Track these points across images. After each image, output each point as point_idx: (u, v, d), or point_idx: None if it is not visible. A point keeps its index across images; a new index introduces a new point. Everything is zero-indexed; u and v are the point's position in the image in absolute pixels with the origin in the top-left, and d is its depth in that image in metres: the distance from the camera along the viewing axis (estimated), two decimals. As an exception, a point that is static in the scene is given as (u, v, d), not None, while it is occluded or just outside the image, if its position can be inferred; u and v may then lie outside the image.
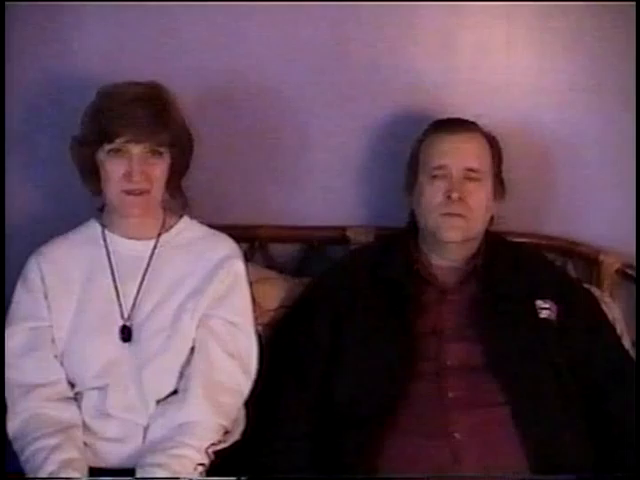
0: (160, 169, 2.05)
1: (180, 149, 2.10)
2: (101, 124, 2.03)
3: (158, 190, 2.07)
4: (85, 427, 2.04)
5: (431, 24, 2.42)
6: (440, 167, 2.15)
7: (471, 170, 2.14)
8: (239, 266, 2.12)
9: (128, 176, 2.02)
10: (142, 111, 2.01)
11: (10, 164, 2.40)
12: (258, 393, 2.09)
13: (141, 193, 2.04)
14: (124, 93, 2.04)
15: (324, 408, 2.09)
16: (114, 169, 2.03)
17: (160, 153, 2.05)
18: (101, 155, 2.04)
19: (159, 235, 2.12)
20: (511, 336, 2.07)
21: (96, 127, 2.04)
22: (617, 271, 2.43)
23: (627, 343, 2.27)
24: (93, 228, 2.14)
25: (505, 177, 2.25)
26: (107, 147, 2.03)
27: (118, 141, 2.01)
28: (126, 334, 2.05)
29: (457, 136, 2.17)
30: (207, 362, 2.03)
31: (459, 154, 2.15)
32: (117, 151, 2.02)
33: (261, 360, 2.09)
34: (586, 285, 2.32)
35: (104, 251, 2.11)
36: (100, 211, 2.15)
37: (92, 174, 2.08)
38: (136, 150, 2.02)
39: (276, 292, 2.32)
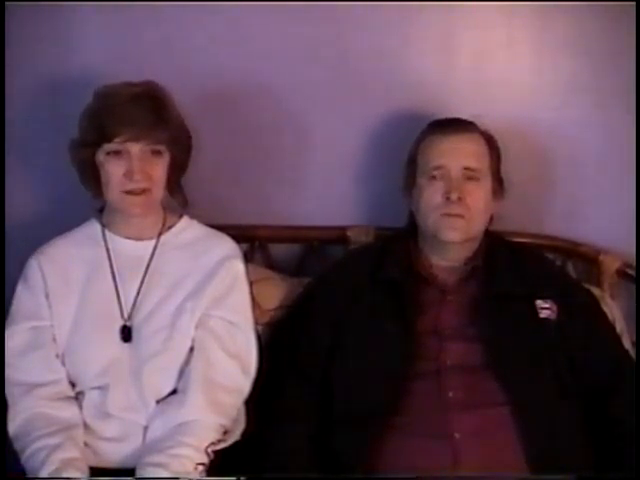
0: (160, 168, 2.06)
1: (179, 147, 2.10)
2: (99, 125, 2.03)
3: (159, 189, 2.07)
4: (85, 427, 2.04)
5: (431, 24, 2.42)
6: (438, 167, 2.15)
7: (469, 169, 2.14)
8: (239, 266, 2.12)
9: (129, 176, 2.02)
10: (140, 110, 2.01)
11: (10, 164, 2.40)
12: (258, 393, 2.09)
13: (142, 192, 2.04)
14: (121, 93, 2.04)
15: (324, 408, 2.09)
16: (114, 170, 2.03)
17: (159, 152, 2.05)
18: (100, 156, 2.05)
19: (159, 235, 2.12)
20: (511, 336, 2.07)
21: (94, 128, 2.04)
22: (617, 271, 2.43)
23: (627, 343, 2.27)
24: (93, 228, 2.14)
25: (505, 177, 2.24)
26: (106, 148, 2.03)
27: (117, 141, 2.01)
28: (126, 334, 2.05)
29: (455, 136, 2.17)
30: (206, 362, 2.03)
31: (457, 154, 2.15)
32: (116, 152, 2.02)
33: (261, 360, 2.09)
34: (586, 285, 2.31)
35: (104, 251, 2.11)
36: (100, 212, 2.16)
37: (92, 176, 2.08)
38: (135, 149, 2.02)
39: (276, 292, 2.33)
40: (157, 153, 2.05)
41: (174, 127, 2.07)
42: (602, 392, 2.07)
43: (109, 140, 2.02)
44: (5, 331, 2.07)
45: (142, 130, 2.01)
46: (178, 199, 2.18)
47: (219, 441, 2.00)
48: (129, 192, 2.04)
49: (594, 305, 2.22)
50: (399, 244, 2.23)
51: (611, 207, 2.47)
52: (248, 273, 2.14)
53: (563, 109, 2.45)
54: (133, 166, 2.02)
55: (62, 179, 2.27)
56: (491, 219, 2.22)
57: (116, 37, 2.41)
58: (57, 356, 2.06)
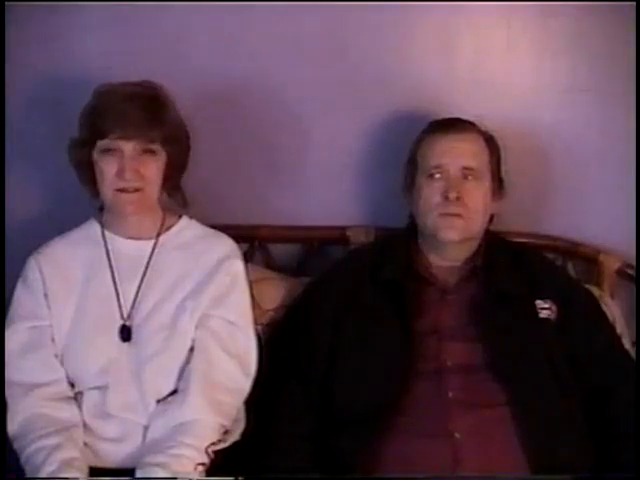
0: (154, 168, 2.05)
1: (176, 147, 2.09)
2: (94, 122, 2.04)
3: (152, 189, 2.07)
4: (85, 427, 2.04)
5: (431, 24, 2.42)
6: (437, 167, 2.15)
7: (468, 169, 2.15)
8: (238, 266, 2.12)
9: (120, 174, 2.02)
10: (134, 108, 2.01)
11: (10, 164, 2.40)
12: (258, 393, 2.09)
13: (135, 191, 2.04)
14: (117, 92, 2.05)
15: (324, 408, 2.09)
16: (107, 168, 2.03)
17: (153, 151, 2.05)
18: (95, 154, 2.05)
19: (158, 235, 2.12)
20: (511, 336, 2.07)
21: (89, 126, 2.05)
22: (617, 271, 2.43)
23: (627, 343, 2.27)
24: (93, 228, 2.14)
25: (505, 177, 2.25)
26: (100, 145, 2.03)
27: (110, 137, 2.01)
28: (126, 334, 2.05)
29: (454, 136, 2.17)
30: (206, 362, 2.03)
31: (456, 154, 2.15)
32: (109, 150, 2.03)
33: (261, 360, 2.09)
34: (586, 285, 2.32)
35: (104, 251, 2.11)
36: (100, 211, 2.16)
37: (89, 175, 2.08)
38: (128, 148, 2.02)
39: (276, 292, 2.33)
40: (150, 152, 2.04)
41: (170, 127, 2.07)
42: (602, 392, 2.08)
43: (102, 137, 2.02)
44: (5, 331, 2.07)
45: (134, 128, 2.01)
46: (177, 200, 2.17)
47: (219, 441, 2.00)
48: (121, 190, 2.03)
49: (594, 305, 2.23)
50: (399, 244, 2.23)
51: (611, 207, 2.47)
52: (248, 273, 2.14)
53: (563, 109, 2.45)
54: (125, 164, 2.02)
55: (62, 179, 2.27)
56: (491, 219, 2.22)
57: (117, 37, 2.41)
58: (56, 356, 2.06)
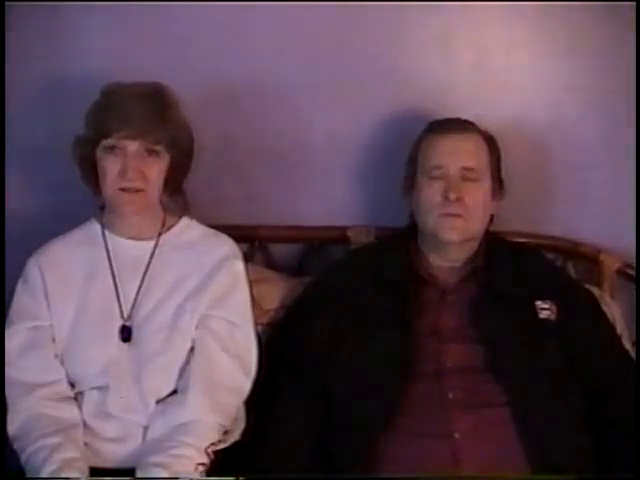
0: (156, 169, 2.05)
1: (179, 149, 2.09)
2: (100, 120, 2.04)
3: (154, 190, 2.07)
4: (85, 427, 2.04)
5: (431, 24, 2.42)
6: (437, 167, 2.15)
7: (468, 169, 2.15)
8: (239, 266, 2.12)
9: (123, 173, 2.02)
10: (139, 108, 2.02)
11: (10, 164, 2.40)
12: (258, 393, 2.09)
13: (136, 191, 2.04)
14: (125, 91, 2.05)
15: (324, 408, 2.09)
16: (110, 167, 2.03)
17: (156, 152, 2.05)
18: (99, 153, 2.05)
19: (159, 235, 2.12)
20: (511, 336, 2.07)
21: (95, 124, 2.05)
22: (617, 271, 2.43)
23: (627, 343, 2.27)
24: (93, 228, 2.14)
25: (505, 177, 2.25)
26: (104, 144, 2.03)
27: (114, 137, 2.01)
28: (126, 334, 2.05)
29: (454, 136, 2.17)
30: (207, 362, 2.03)
31: (456, 154, 2.15)
32: (113, 148, 2.03)
33: (261, 360, 2.09)
34: (586, 285, 2.32)
35: (104, 251, 2.11)
36: (101, 210, 2.16)
37: (92, 173, 2.08)
38: (131, 147, 2.02)
39: (276, 292, 2.33)
40: (154, 153, 2.05)
41: (175, 129, 2.07)
42: (602, 392, 2.07)
43: (107, 136, 2.02)
44: (5, 331, 2.07)
45: (139, 128, 2.01)
46: (178, 202, 2.17)
47: (219, 441, 2.00)
48: (123, 190, 2.03)
49: (594, 305, 2.22)
50: (399, 244, 2.23)
51: (611, 207, 2.47)
52: (248, 273, 2.14)
53: (563, 109, 2.45)
54: (127, 164, 2.02)
55: (62, 179, 2.27)
56: (491, 219, 2.22)
57: (117, 37, 2.41)
58: (56, 356, 2.06)
